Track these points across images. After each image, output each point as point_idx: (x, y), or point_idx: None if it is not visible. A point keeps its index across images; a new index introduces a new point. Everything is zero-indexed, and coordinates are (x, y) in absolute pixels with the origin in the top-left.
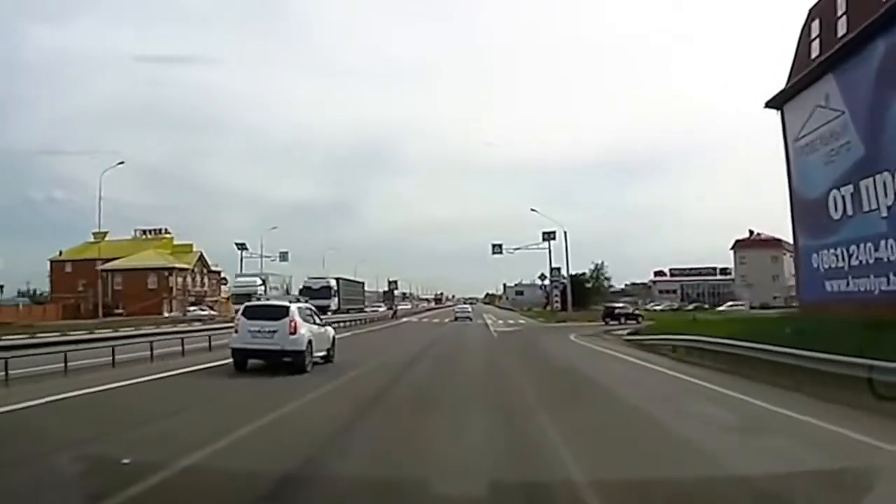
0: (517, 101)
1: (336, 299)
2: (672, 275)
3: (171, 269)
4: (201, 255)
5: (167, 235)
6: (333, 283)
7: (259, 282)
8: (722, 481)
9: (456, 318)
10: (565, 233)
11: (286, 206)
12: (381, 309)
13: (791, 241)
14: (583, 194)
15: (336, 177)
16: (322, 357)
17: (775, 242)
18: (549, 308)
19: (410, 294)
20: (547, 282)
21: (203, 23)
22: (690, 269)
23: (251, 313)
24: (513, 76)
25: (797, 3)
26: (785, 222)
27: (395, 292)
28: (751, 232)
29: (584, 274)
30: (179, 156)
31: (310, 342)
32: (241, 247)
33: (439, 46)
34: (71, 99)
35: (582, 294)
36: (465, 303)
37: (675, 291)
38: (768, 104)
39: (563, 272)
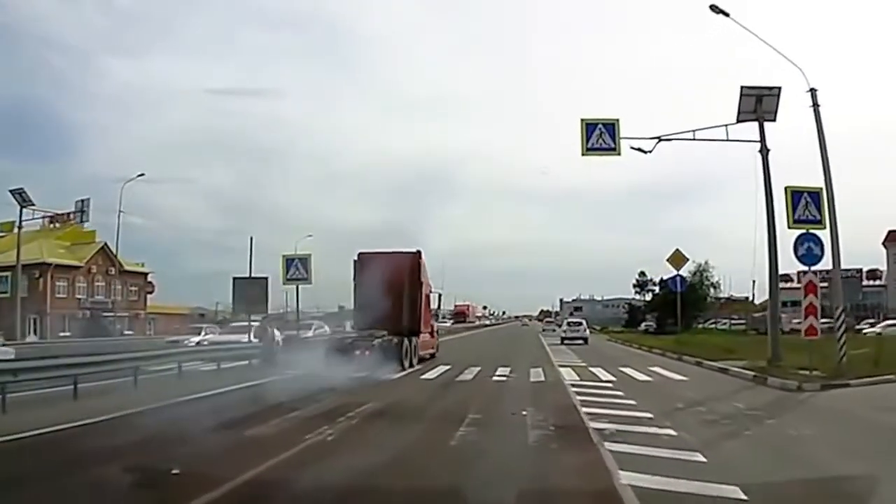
0: (567, 131)
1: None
2: (801, 280)
3: (42, 267)
4: (104, 249)
5: (72, 220)
6: None
7: None
8: None
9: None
10: (813, 91)
11: (348, 229)
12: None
13: None
14: (626, 218)
15: (396, 202)
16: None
17: None
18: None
19: None
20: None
21: (273, 57)
22: (826, 272)
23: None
24: (562, 107)
25: None
26: None
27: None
28: None
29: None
30: (247, 182)
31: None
32: (22, 196)
33: (495, 80)
34: (147, 128)
35: (685, 305)
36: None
37: (794, 304)
38: None
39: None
